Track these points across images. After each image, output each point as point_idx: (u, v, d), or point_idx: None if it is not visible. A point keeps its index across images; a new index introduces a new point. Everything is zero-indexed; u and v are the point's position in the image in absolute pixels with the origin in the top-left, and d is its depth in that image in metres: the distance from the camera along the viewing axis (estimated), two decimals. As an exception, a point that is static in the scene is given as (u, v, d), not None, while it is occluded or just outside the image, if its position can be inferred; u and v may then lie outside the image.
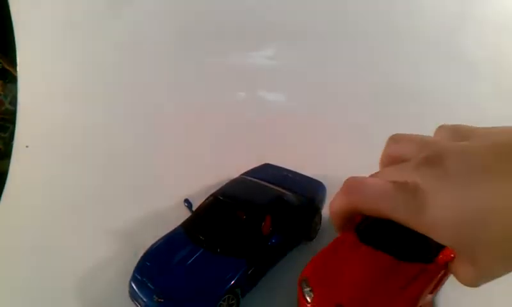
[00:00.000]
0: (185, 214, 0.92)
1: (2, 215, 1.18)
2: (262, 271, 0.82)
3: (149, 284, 0.71)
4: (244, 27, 1.53)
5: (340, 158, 1.36)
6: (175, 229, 0.85)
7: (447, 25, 1.46)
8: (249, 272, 0.76)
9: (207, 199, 0.91)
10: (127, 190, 1.30)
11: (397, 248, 0.73)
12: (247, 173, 1.05)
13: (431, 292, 0.71)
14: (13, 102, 1.42)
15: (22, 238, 1.10)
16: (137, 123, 1.55)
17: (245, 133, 1.54)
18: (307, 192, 0.97)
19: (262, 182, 0.96)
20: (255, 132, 1.53)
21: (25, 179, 1.30)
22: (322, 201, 1.01)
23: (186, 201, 0.93)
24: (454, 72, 1.50)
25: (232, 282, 0.72)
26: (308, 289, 0.70)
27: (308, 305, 0.70)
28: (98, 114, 1.53)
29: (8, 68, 1.42)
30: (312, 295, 0.69)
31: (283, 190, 0.92)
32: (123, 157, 1.44)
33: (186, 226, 0.85)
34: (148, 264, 0.75)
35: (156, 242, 0.82)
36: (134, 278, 0.74)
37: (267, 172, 1.06)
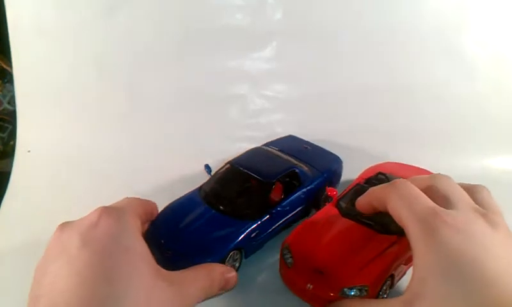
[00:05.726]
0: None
1: (3, 216, 1.18)
2: (267, 235, 0.86)
3: (161, 240, 0.76)
4: (244, 27, 1.53)
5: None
6: (192, 192, 0.92)
7: (447, 25, 1.46)
8: (254, 234, 0.81)
9: (223, 166, 0.96)
10: (128, 193, 1.30)
11: (375, 222, 0.76)
12: (270, 143, 1.12)
13: (405, 263, 0.74)
14: (12, 101, 1.42)
15: (23, 240, 1.10)
16: (137, 124, 1.55)
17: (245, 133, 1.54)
18: (321, 165, 1.02)
19: (278, 152, 1.01)
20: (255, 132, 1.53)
21: (26, 181, 1.30)
22: (336, 174, 1.06)
23: (206, 166, 1.01)
24: (454, 72, 1.50)
25: (239, 238, 0.77)
26: (288, 255, 0.74)
27: (289, 271, 0.74)
28: (97, 114, 1.53)
29: (6, 67, 1.41)
30: (292, 262, 0.73)
31: (296, 161, 0.98)
32: (123, 158, 1.45)
33: (201, 189, 0.91)
34: (163, 220, 0.81)
35: (173, 202, 0.88)
36: (148, 233, 0.78)
37: (287, 143, 1.11)
